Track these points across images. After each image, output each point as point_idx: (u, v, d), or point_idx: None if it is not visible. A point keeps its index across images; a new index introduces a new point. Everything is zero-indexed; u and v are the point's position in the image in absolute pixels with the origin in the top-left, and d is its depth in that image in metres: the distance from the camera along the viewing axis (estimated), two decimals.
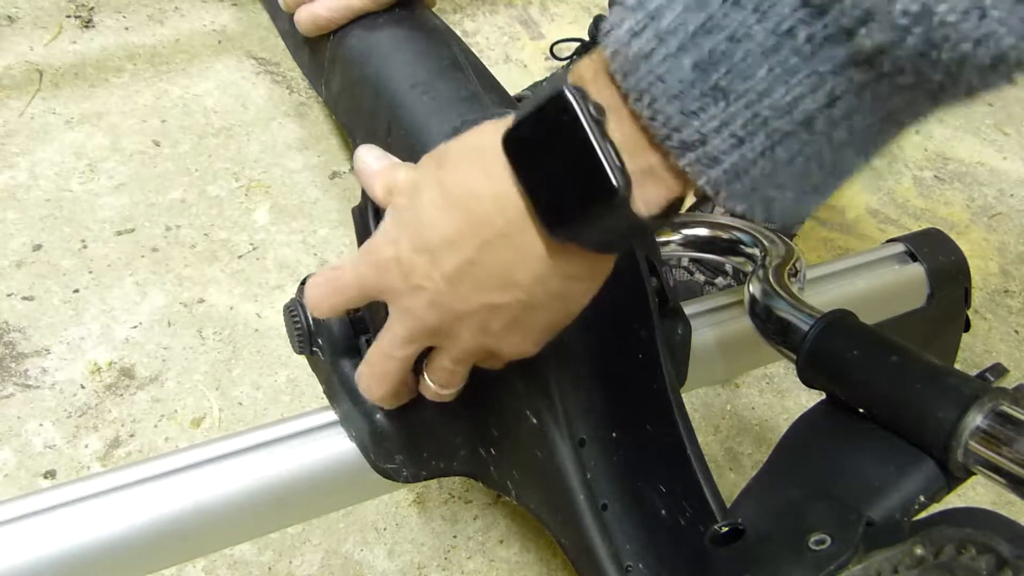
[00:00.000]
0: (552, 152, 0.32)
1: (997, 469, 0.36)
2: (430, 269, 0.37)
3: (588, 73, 0.31)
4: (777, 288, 0.51)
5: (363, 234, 0.46)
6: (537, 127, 0.32)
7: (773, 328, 0.49)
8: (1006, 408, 0.36)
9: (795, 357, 0.46)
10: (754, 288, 0.53)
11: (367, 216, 0.45)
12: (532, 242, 0.34)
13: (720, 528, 0.38)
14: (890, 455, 0.38)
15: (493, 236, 0.35)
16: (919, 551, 0.33)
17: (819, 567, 0.33)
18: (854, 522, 0.35)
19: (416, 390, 0.45)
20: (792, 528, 0.36)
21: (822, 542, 0.34)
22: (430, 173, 0.38)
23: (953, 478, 0.38)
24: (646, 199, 0.31)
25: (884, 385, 0.40)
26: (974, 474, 0.38)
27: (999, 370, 0.41)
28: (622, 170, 0.30)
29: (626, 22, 0.29)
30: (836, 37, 0.26)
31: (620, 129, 0.31)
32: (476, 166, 0.35)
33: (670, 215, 0.33)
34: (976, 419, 0.36)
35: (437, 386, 0.43)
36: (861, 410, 0.41)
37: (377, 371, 0.43)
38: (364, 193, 0.45)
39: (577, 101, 0.31)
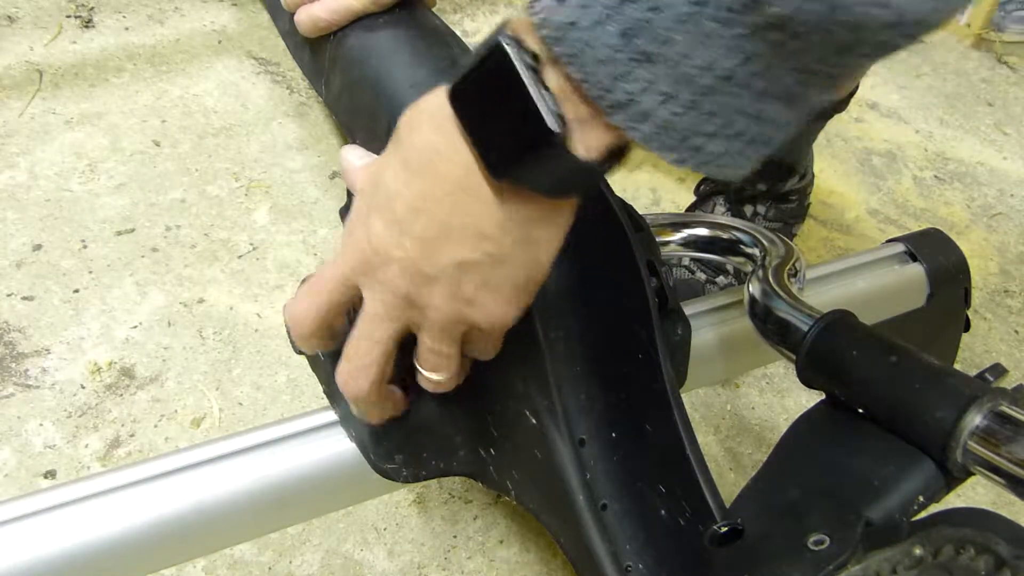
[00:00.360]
0: (492, 101, 0.34)
1: (996, 469, 0.36)
2: (400, 238, 0.37)
3: (523, 28, 0.33)
4: (777, 288, 0.51)
5: None
6: (478, 78, 0.34)
7: (773, 328, 0.49)
8: (1005, 408, 0.36)
9: (795, 357, 0.46)
10: (754, 288, 0.53)
11: None
12: (487, 191, 0.36)
13: (719, 528, 0.38)
14: (889, 455, 0.38)
15: (451, 190, 0.36)
16: (918, 551, 0.33)
17: (818, 567, 0.33)
18: (853, 522, 0.35)
19: (402, 404, 0.45)
20: (791, 528, 0.36)
21: (821, 542, 0.34)
22: (391, 152, 0.39)
23: (952, 478, 0.38)
24: (587, 144, 0.33)
25: (883, 385, 0.40)
26: (973, 474, 0.38)
27: (999, 370, 0.41)
28: (557, 113, 0.32)
29: None
30: (745, 5, 0.28)
31: (556, 81, 0.32)
32: (428, 127, 0.37)
33: (615, 162, 0.34)
34: (975, 419, 0.36)
35: (428, 371, 0.42)
36: (861, 410, 0.41)
37: (357, 362, 0.42)
38: (349, 193, 0.45)
39: (512, 50, 0.32)
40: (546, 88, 0.32)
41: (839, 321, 0.45)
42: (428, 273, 0.38)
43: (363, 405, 0.44)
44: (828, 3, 0.27)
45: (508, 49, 0.32)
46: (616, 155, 0.34)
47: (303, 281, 0.46)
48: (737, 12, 0.28)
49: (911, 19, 0.27)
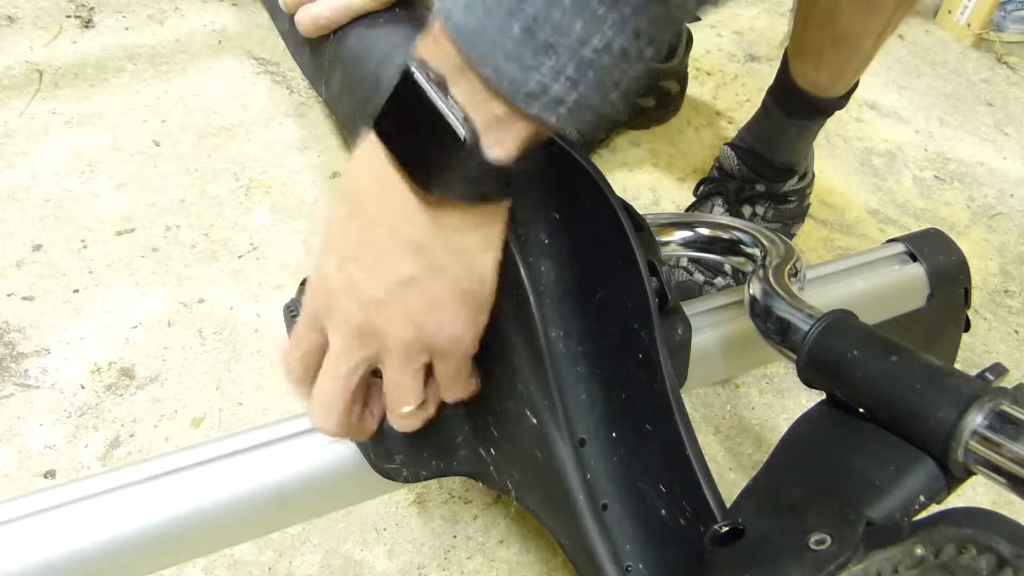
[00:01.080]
0: (408, 120, 0.37)
1: (997, 469, 0.36)
2: (349, 270, 0.40)
3: (433, 42, 0.36)
4: (777, 288, 0.51)
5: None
6: (395, 103, 0.38)
7: (773, 328, 0.49)
8: (1006, 408, 0.36)
9: (795, 357, 0.46)
10: (754, 288, 0.53)
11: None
12: (414, 206, 0.38)
13: (720, 528, 0.38)
14: (890, 455, 0.38)
15: (384, 212, 0.39)
16: (919, 551, 0.33)
17: (819, 567, 0.33)
18: (854, 522, 0.35)
19: (374, 426, 0.46)
20: (792, 528, 0.36)
21: (822, 542, 0.34)
22: (334, 203, 0.42)
23: (953, 478, 0.38)
24: (502, 144, 0.36)
25: (884, 385, 0.40)
26: (974, 474, 0.38)
27: (999, 370, 0.41)
28: (465, 120, 0.35)
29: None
30: None
31: (469, 85, 0.35)
32: (360, 165, 0.40)
33: (529, 159, 0.37)
34: (976, 419, 0.36)
35: (393, 403, 0.43)
36: (861, 410, 0.41)
37: (322, 399, 0.43)
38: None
39: (419, 72, 0.36)
40: (452, 98, 0.35)
41: (840, 321, 0.45)
42: (378, 297, 0.40)
43: (335, 436, 0.45)
44: None
45: (414, 71, 0.36)
46: (529, 154, 0.37)
47: (305, 281, 0.47)
48: None
49: None
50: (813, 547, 0.34)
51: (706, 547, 0.38)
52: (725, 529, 0.38)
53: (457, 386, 0.44)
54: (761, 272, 0.54)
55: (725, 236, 0.63)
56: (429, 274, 0.39)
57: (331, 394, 0.43)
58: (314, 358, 0.43)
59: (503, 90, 0.34)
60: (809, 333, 0.45)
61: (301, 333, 0.43)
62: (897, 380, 0.39)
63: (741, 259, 0.62)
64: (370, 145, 0.40)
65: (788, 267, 0.55)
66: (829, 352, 0.43)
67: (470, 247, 0.40)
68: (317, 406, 0.43)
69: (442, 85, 0.35)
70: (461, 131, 0.35)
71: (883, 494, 0.37)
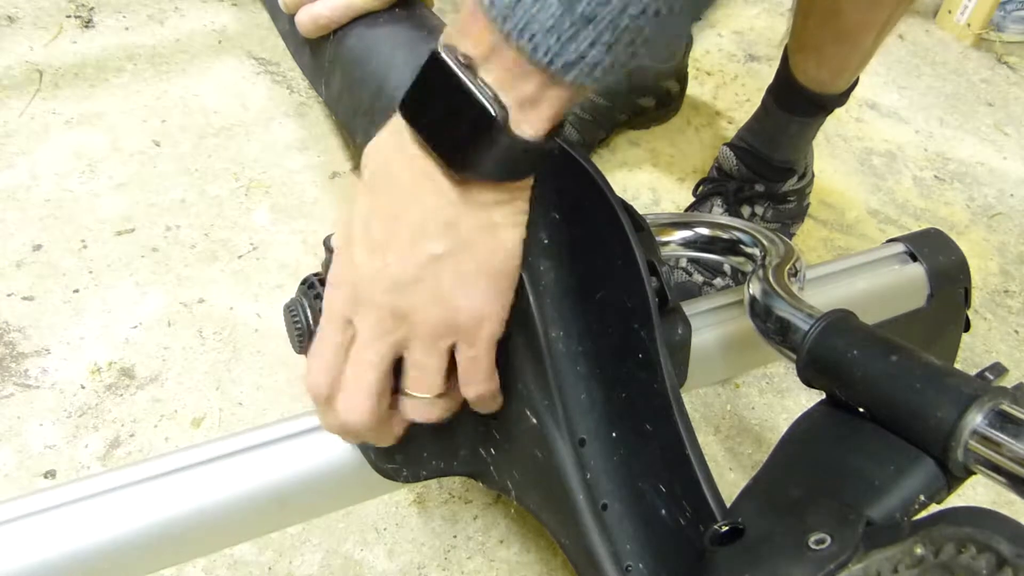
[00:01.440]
0: (438, 103, 0.38)
1: (997, 468, 0.36)
2: (381, 255, 0.40)
3: (464, 25, 0.37)
4: (777, 288, 0.51)
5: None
6: (422, 88, 0.39)
7: (773, 328, 0.49)
8: (1006, 407, 0.36)
9: (795, 357, 0.46)
10: (754, 288, 0.53)
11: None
12: (444, 185, 0.39)
13: (720, 528, 0.38)
14: (890, 455, 0.38)
15: (413, 193, 0.40)
16: (919, 550, 0.33)
17: (819, 567, 0.33)
18: (854, 522, 0.35)
19: (402, 426, 0.45)
20: (792, 528, 0.36)
21: (822, 541, 0.34)
22: (357, 190, 0.42)
23: (953, 478, 0.38)
24: (533, 122, 0.37)
25: (884, 385, 0.40)
26: (974, 473, 0.38)
27: (999, 369, 0.41)
28: (496, 99, 0.36)
29: None
30: None
31: (501, 64, 0.36)
32: (384, 150, 0.41)
33: (554, 137, 0.39)
34: (976, 419, 0.36)
35: (414, 391, 0.43)
36: (861, 410, 0.41)
37: (352, 389, 0.42)
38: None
39: (448, 56, 0.37)
40: (481, 80, 0.36)
41: (840, 321, 0.45)
42: (409, 278, 0.40)
43: (364, 432, 0.44)
44: None
45: (444, 56, 0.37)
46: (556, 130, 0.38)
47: (305, 280, 0.47)
48: None
49: None
50: (813, 547, 0.34)
51: (706, 547, 0.38)
52: (725, 529, 0.38)
53: (480, 375, 0.43)
54: (761, 272, 0.54)
55: (725, 236, 0.63)
56: (460, 251, 0.40)
57: (362, 382, 0.42)
58: (341, 361, 0.43)
59: (540, 63, 0.35)
60: (809, 333, 0.45)
61: (326, 337, 0.43)
62: (897, 380, 0.39)
63: (741, 259, 0.62)
64: (392, 133, 0.40)
65: (788, 267, 0.55)
66: (829, 352, 0.43)
67: (499, 222, 0.41)
68: (347, 399, 0.42)
69: (471, 68, 0.36)
70: (492, 110, 0.36)
71: (883, 494, 0.37)
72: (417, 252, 0.40)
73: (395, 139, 0.40)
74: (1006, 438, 0.35)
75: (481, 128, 0.37)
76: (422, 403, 0.44)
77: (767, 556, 0.36)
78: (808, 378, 0.44)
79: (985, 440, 0.36)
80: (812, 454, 0.41)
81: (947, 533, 0.32)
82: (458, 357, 0.43)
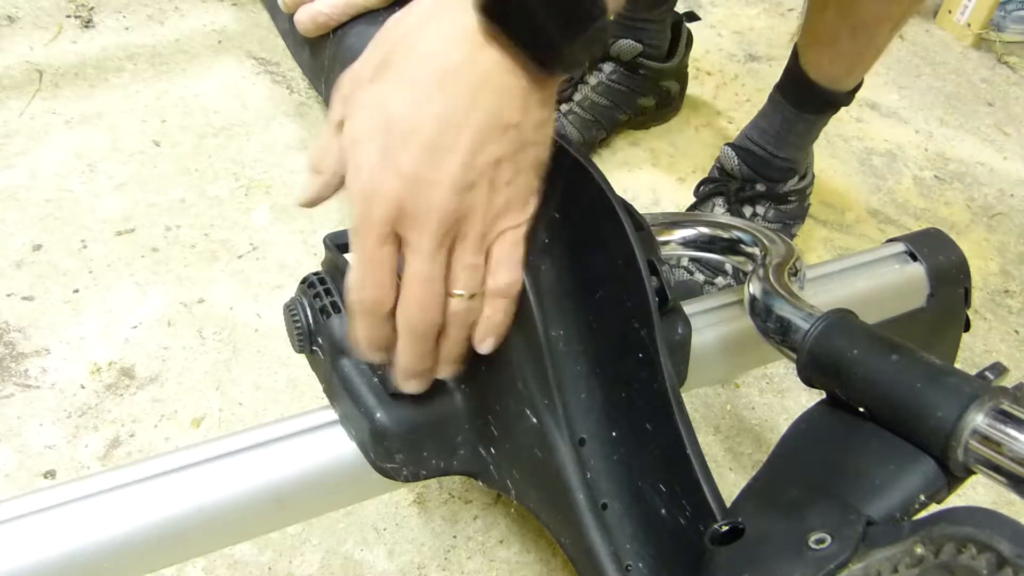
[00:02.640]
0: (534, 4, 0.38)
1: (997, 468, 0.36)
2: (437, 158, 0.39)
3: None
4: (777, 287, 0.51)
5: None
6: None
7: (773, 327, 0.49)
8: (1006, 407, 0.36)
9: (795, 356, 0.46)
10: (754, 288, 0.52)
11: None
12: (517, 86, 0.39)
13: (720, 527, 0.38)
14: (890, 454, 0.38)
15: (479, 94, 0.39)
16: (919, 550, 0.33)
17: (819, 566, 0.33)
18: (854, 521, 0.35)
19: (434, 368, 0.45)
20: (792, 527, 0.36)
21: (822, 541, 0.34)
22: (386, 82, 0.41)
23: (953, 477, 0.38)
24: (612, 7, 0.39)
25: (884, 384, 0.40)
26: (974, 473, 0.38)
27: (999, 369, 0.41)
28: None
29: None
30: None
31: None
32: (435, 46, 0.40)
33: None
34: (976, 418, 0.36)
35: (462, 288, 0.42)
36: (861, 409, 0.41)
37: (417, 303, 0.41)
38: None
39: None
40: None
41: (840, 320, 0.45)
42: (469, 182, 0.40)
43: (428, 336, 0.43)
44: None
45: None
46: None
47: (305, 278, 0.47)
48: None
49: None
50: (813, 546, 0.34)
51: (706, 546, 0.38)
52: (725, 528, 0.38)
53: (514, 263, 0.43)
54: (761, 271, 0.54)
55: (725, 235, 0.63)
56: (519, 151, 0.41)
57: (434, 298, 0.41)
58: (392, 276, 0.41)
59: None
60: (809, 332, 0.44)
61: (370, 252, 0.40)
62: (897, 379, 0.39)
63: (741, 258, 0.62)
64: (446, 28, 0.39)
65: (788, 266, 0.55)
66: (829, 351, 0.43)
67: (547, 119, 0.42)
68: (411, 313, 0.41)
69: None
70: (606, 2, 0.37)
71: (883, 493, 0.37)
72: (481, 156, 0.39)
73: (446, 35, 0.39)
74: (1006, 438, 0.35)
75: (589, 22, 0.38)
76: (463, 304, 0.43)
77: (767, 556, 0.36)
78: (808, 377, 0.44)
79: (985, 440, 0.36)
80: (812, 454, 0.41)
81: (947, 533, 0.32)
82: (498, 246, 0.43)
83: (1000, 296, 1.09)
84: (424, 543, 0.74)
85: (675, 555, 0.43)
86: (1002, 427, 0.36)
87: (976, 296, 1.08)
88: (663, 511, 0.44)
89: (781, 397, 0.91)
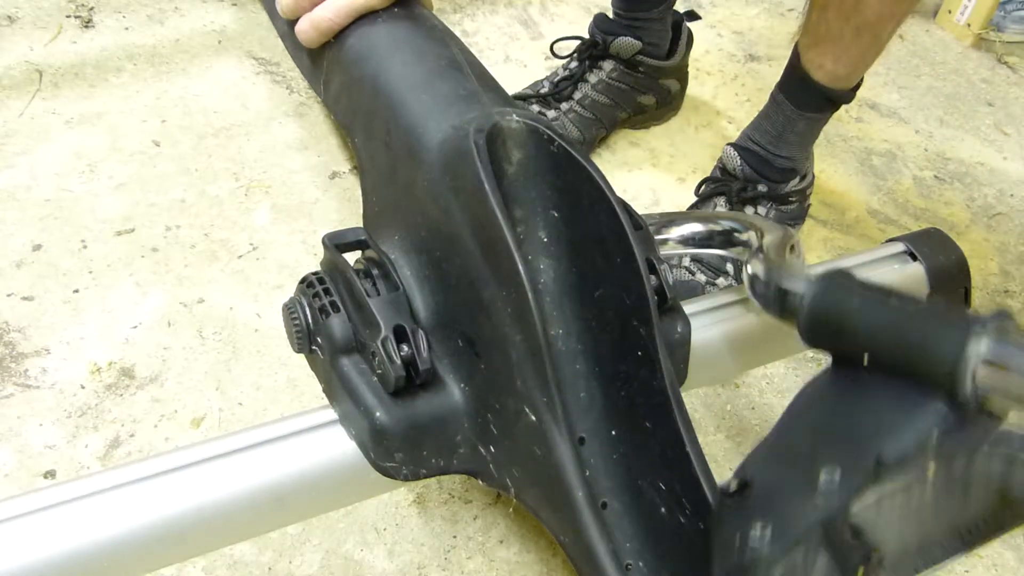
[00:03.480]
0: None
1: (1007, 393, 0.35)
2: None
3: None
4: (775, 261, 0.51)
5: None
6: None
7: (773, 298, 0.48)
8: (1009, 332, 0.36)
9: (797, 322, 0.45)
10: (753, 267, 0.52)
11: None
12: None
13: (728, 485, 0.38)
14: (899, 399, 0.37)
15: None
16: (931, 470, 0.32)
17: (828, 499, 0.33)
18: (865, 457, 0.34)
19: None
20: (801, 473, 0.35)
21: (831, 476, 0.34)
22: None
23: (965, 410, 0.37)
24: None
25: (885, 327, 0.39)
26: (985, 403, 0.37)
27: (1003, 316, 0.41)
28: None
29: None
30: None
31: None
32: None
33: None
34: (980, 345, 0.35)
35: None
36: (867, 360, 0.40)
37: None
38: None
39: None
40: None
41: (836, 276, 0.44)
42: None
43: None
44: None
45: None
46: None
47: (304, 278, 0.47)
48: None
49: None
50: (823, 483, 0.34)
51: (707, 538, 0.38)
52: (733, 485, 0.38)
53: None
54: (760, 254, 0.54)
55: (719, 228, 0.63)
56: None
57: None
58: None
59: None
60: (807, 292, 0.44)
61: None
62: (898, 322, 0.39)
63: (740, 249, 0.62)
64: None
65: (786, 246, 0.55)
66: (829, 306, 0.42)
67: None
68: None
69: None
70: None
71: (894, 433, 0.36)
72: None
73: None
74: (1013, 361, 0.35)
75: None
76: None
77: (776, 498, 0.35)
78: (811, 338, 0.44)
79: (992, 367, 0.35)
80: (819, 412, 0.41)
81: (959, 446, 0.31)
82: None
83: (1000, 296, 1.09)
84: (424, 543, 0.74)
85: (675, 553, 0.43)
86: (1007, 352, 0.35)
87: (976, 296, 1.08)
88: (663, 509, 0.44)
89: (781, 397, 0.91)
